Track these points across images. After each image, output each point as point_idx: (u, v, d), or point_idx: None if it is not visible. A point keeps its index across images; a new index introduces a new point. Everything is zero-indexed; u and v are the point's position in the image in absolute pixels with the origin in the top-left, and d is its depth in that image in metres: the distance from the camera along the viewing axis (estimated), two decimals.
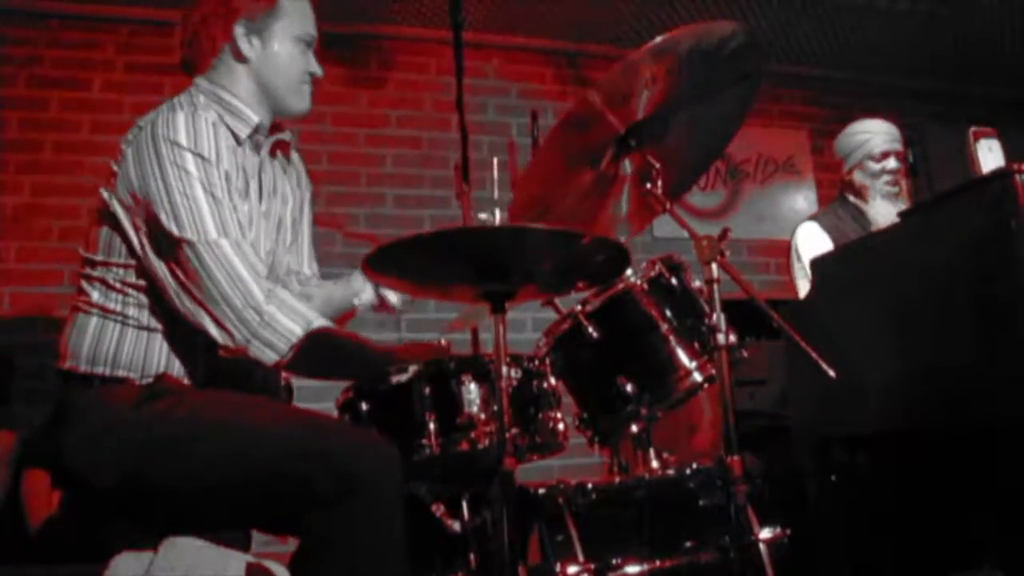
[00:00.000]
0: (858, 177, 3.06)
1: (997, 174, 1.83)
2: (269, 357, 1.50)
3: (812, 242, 2.99)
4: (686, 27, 1.54)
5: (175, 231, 1.50)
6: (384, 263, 1.37)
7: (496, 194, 1.64)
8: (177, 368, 1.58)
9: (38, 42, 3.50)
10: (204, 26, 1.70)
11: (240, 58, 1.71)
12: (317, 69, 1.79)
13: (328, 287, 1.89)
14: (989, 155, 2.08)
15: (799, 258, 3.06)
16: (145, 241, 1.55)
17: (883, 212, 2.96)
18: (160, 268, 1.53)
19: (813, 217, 3.17)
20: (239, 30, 1.69)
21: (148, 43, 3.60)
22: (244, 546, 1.69)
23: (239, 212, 1.56)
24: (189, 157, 1.52)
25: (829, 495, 2.48)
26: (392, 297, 1.91)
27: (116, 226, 1.58)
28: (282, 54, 1.73)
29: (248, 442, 1.44)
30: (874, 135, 3.05)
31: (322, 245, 2.09)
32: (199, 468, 1.44)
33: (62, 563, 1.52)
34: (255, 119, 1.70)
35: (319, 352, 1.54)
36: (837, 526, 2.41)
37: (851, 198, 3.11)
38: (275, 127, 1.81)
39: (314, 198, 2.00)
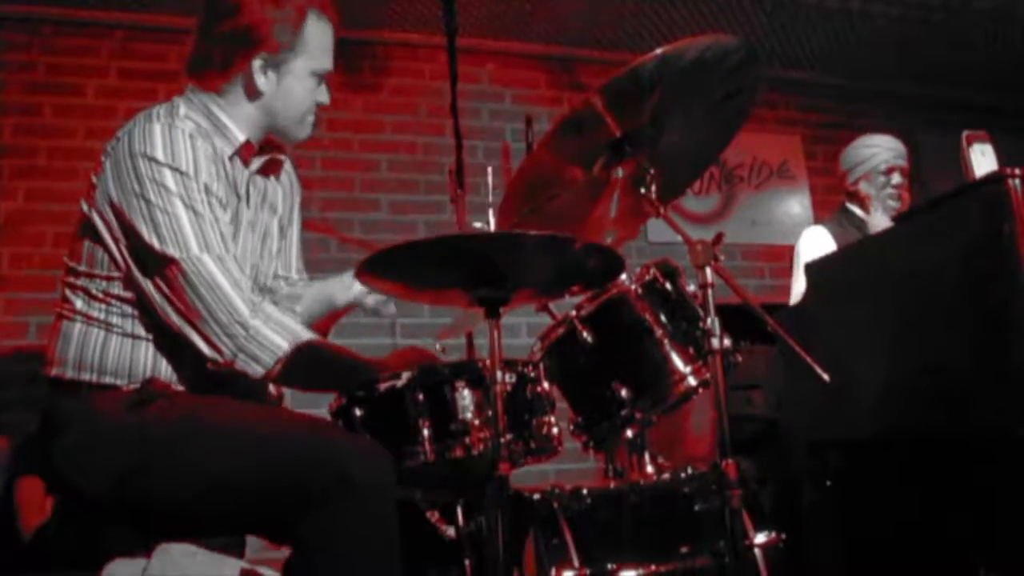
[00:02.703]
0: (863, 188, 3.09)
1: (990, 178, 1.84)
2: (256, 371, 1.50)
3: (819, 246, 3.00)
4: (691, 38, 1.53)
5: (157, 247, 1.49)
6: (378, 269, 1.37)
7: (491, 199, 1.64)
8: (164, 372, 1.57)
9: (32, 48, 3.50)
10: (221, 51, 1.63)
11: (252, 92, 1.66)
12: (326, 99, 1.74)
13: (317, 284, 1.88)
14: (982, 159, 2.08)
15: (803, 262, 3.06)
16: (127, 255, 1.53)
17: (883, 225, 2.97)
18: (145, 283, 1.52)
19: (819, 222, 3.19)
20: (256, 63, 1.63)
21: (142, 49, 3.61)
22: (239, 552, 1.68)
23: (221, 224, 1.55)
24: (167, 172, 1.50)
25: (824, 499, 2.48)
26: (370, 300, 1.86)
27: (97, 239, 1.56)
28: (296, 90, 1.68)
29: (240, 446, 1.44)
30: (881, 150, 3.07)
31: (316, 251, 2.08)
32: (191, 473, 1.43)
33: (55, 571, 1.51)
34: (241, 139, 1.66)
35: (306, 365, 1.54)
36: (832, 530, 2.41)
37: (853, 208, 3.14)
38: (268, 142, 1.78)
39: (304, 203, 1.99)
